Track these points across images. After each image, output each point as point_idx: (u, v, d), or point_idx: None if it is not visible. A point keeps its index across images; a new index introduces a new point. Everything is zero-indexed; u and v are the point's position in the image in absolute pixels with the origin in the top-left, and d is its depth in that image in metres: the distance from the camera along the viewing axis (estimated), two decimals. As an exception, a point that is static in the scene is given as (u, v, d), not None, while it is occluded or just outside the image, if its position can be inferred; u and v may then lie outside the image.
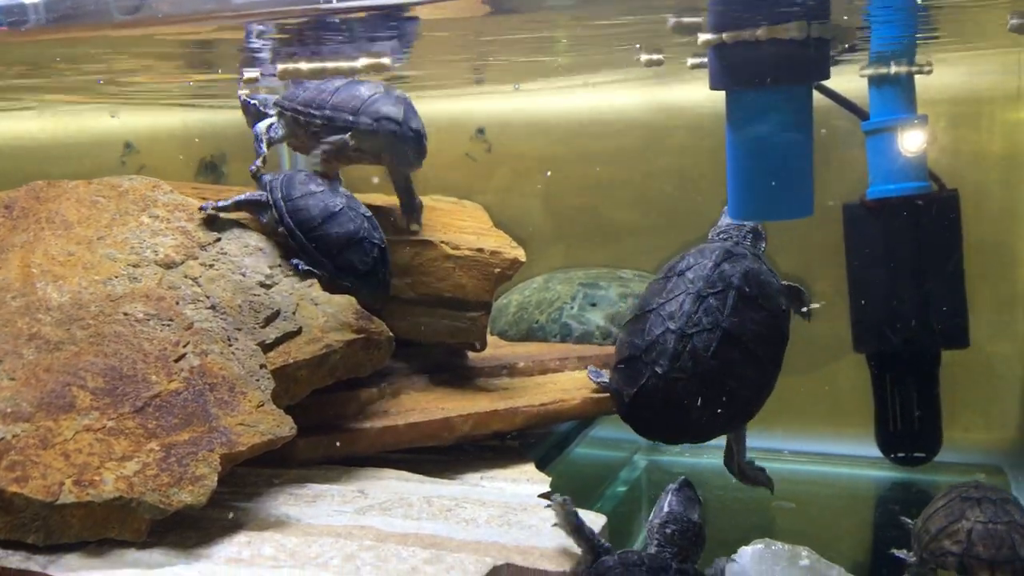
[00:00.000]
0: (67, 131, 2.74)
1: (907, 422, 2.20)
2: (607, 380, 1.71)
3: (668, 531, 1.30)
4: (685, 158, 2.53)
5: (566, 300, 2.20)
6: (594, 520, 1.30)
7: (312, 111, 1.69)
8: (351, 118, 1.66)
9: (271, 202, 1.61)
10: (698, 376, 1.49)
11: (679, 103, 2.57)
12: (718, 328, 1.50)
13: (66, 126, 2.76)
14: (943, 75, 2.26)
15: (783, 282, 1.63)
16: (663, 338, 1.51)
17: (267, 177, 1.67)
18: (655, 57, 1.92)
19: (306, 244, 1.57)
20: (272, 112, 1.79)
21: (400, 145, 1.68)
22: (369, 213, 1.65)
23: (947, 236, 2.09)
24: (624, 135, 2.61)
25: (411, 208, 1.79)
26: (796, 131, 1.38)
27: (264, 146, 1.73)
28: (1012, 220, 2.38)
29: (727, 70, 1.35)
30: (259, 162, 1.71)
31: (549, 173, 2.58)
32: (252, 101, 1.82)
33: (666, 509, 1.33)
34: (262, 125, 1.76)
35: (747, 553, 1.32)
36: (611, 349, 2.04)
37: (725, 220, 1.69)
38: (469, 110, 2.73)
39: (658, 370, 1.50)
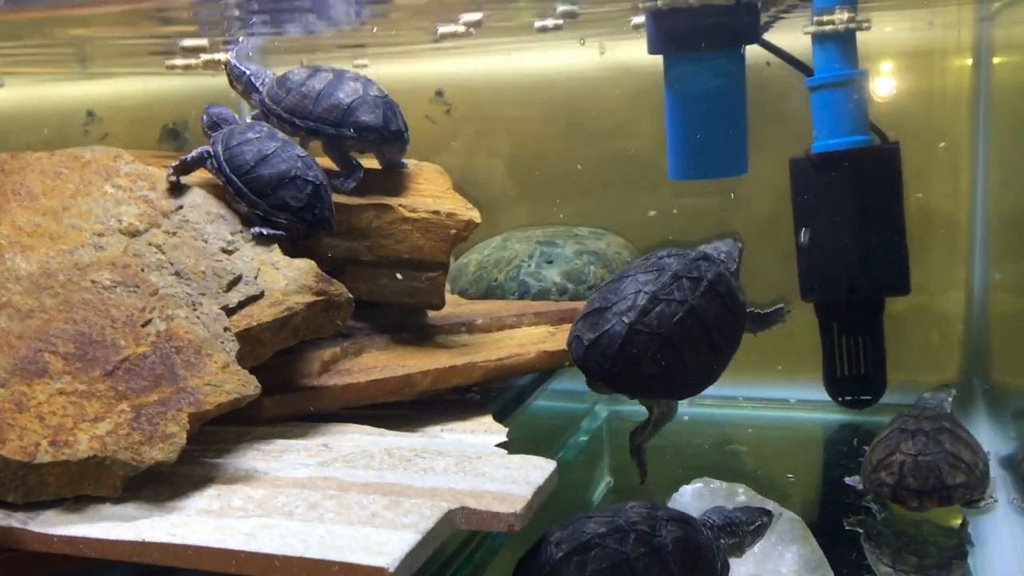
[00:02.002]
0: (28, 100, 2.76)
1: (853, 367, 2.31)
2: None
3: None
4: (635, 114, 2.59)
5: (524, 258, 2.27)
6: (543, 465, 1.38)
7: (296, 120, 1.79)
8: (333, 131, 1.77)
9: (213, 153, 1.66)
10: (659, 336, 1.57)
11: (630, 62, 2.62)
12: (687, 303, 1.58)
13: (27, 95, 2.78)
14: (886, 30, 2.33)
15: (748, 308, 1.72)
16: (635, 297, 1.58)
17: (215, 132, 1.73)
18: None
19: (241, 188, 1.62)
20: (261, 83, 1.87)
21: (382, 147, 1.84)
22: (304, 153, 1.70)
23: (888, 188, 2.18)
24: (577, 94, 2.67)
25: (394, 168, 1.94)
26: (729, 93, 1.44)
27: None
28: (955, 171, 2.48)
29: (663, 36, 1.41)
30: None
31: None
32: (246, 72, 1.89)
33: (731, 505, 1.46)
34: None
35: (687, 492, 1.41)
36: (568, 304, 2.12)
37: (708, 247, 1.76)
38: (428, 72, 2.77)
39: (625, 319, 1.57)
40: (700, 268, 1.63)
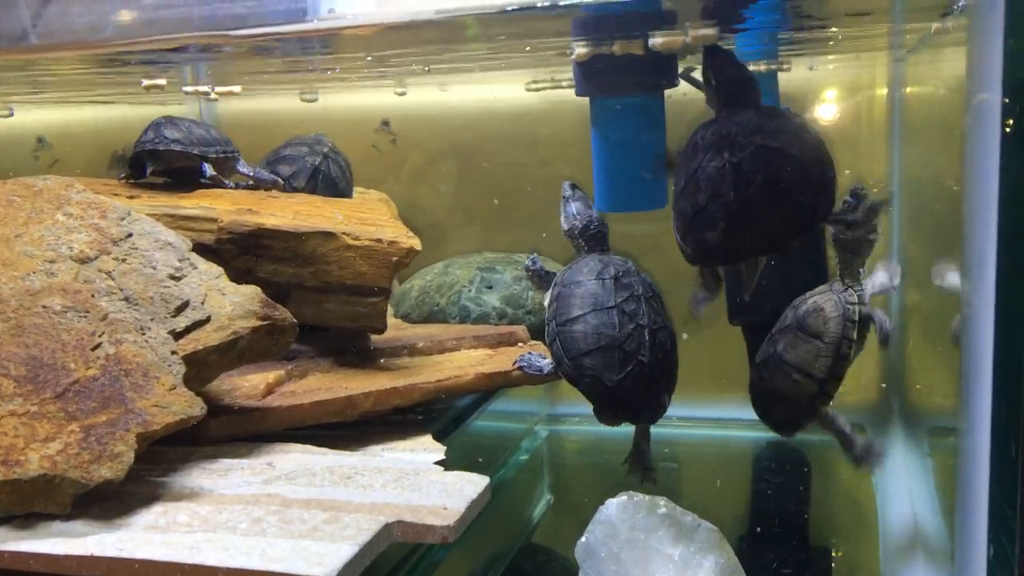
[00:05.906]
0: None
1: (778, 387, 2.41)
2: (543, 366, 1.90)
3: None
4: (571, 145, 2.70)
5: (464, 284, 2.36)
6: (477, 481, 1.46)
7: None
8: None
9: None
10: (663, 365, 1.79)
11: (564, 98, 2.74)
12: (667, 326, 1.82)
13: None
14: (810, 72, 2.48)
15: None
16: (637, 332, 1.75)
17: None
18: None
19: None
20: None
21: (151, 159, 2.09)
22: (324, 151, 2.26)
23: (809, 218, 2.30)
24: (515, 125, 2.78)
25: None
26: (650, 133, 1.56)
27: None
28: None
29: (589, 80, 1.52)
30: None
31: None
32: None
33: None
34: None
35: (612, 504, 1.49)
36: (505, 328, 2.21)
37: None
38: (374, 103, 2.86)
39: (642, 359, 1.75)
40: (645, 282, 1.84)
